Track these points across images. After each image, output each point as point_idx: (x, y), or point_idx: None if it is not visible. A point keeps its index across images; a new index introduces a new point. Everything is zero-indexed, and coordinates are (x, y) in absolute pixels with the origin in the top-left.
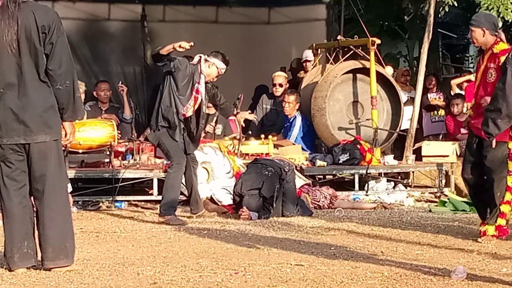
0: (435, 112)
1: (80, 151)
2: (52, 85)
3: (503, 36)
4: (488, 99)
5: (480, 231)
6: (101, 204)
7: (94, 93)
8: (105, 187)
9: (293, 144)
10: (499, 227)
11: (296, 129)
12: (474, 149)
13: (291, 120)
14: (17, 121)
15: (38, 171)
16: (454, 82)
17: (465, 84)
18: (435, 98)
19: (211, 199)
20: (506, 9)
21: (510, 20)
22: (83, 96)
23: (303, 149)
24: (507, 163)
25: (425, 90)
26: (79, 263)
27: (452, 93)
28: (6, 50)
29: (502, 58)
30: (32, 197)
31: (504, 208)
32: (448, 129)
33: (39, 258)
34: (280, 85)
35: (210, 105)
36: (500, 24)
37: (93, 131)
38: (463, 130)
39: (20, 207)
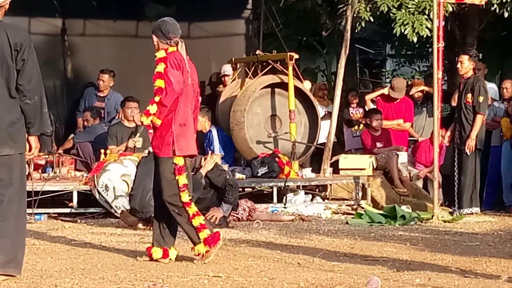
0: (357, 127)
1: None
2: (21, 99)
3: (181, 44)
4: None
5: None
6: None
7: None
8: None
9: (222, 155)
10: (206, 239)
11: (216, 141)
12: None
13: (208, 136)
14: None
15: (1, 180)
16: (368, 97)
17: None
18: (355, 113)
19: (131, 212)
20: (421, 25)
21: (425, 36)
22: None
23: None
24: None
25: (345, 105)
26: None
27: (367, 108)
28: None
29: (158, 67)
30: None
31: (197, 221)
32: (364, 144)
33: None
34: None
35: (131, 119)
36: (415, 40)
37: None
38: (378, 144)
39: None
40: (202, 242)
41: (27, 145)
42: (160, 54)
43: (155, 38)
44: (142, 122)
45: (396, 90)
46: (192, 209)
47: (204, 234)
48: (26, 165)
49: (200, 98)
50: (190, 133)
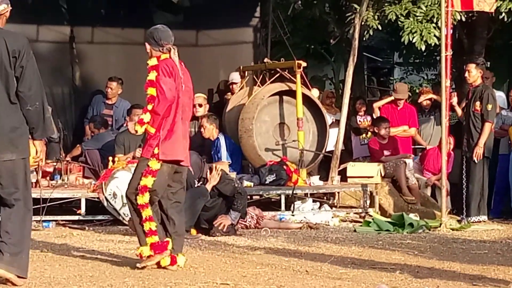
0: (364, 135)
1: None
2: (23, 106)
3: (173, 51)
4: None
5: (137, 255)
6: None
7: None
8: (33, 207)
9: (229, 163)
10: (153, 245)
11: (224, 149)
12: None
13: (216, 143)
14: None
15: (6, 187)
16: (376, 105)
17: None
18: (363, 121)
19: None
20: (429, 33)
21: (433, 44)
22: None
23: (230, 168)
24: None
25: (352, 113)
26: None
27: (375, 116)
28: None
29: (150, 75)
30: None
31: (148, 225)
32: (372, 152)
33: None
34: (200, 105)
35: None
36: (423, 48)
37: None
38: (386, 152)
39: None
40: (148, 246)
41: (34, 149)
42: (152, 62)
43: (148, 46)
44: (136, 131)
45: (399, 92)
46: (146, 212)
47: (152, 239)
48: (34, 172)
49: (208, 106)
50: (177, 138)
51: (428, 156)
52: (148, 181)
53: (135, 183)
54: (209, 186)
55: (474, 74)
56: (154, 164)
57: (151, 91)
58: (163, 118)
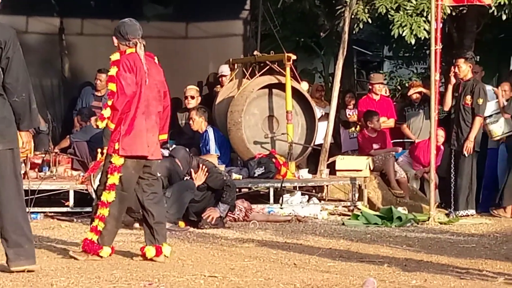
0: (353, 128)
1: None
2: (10, 97)
3: (139, 45)
4: None
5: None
6: None
7: None
8: None
9: (218, 155)
10: (85, 240)
11: (212, 141)
12: None
13: (204, 136)
14: None
15: None
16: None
17: None
18: (352, 115)
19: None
20: (419, 27)
21: (423, 38)
22: None
23: (219, 160)
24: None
25: (342, 106)
26: None
27: (364, 109)
28: None
29: (111, 70)
30: None
31: (96, 223)
32: (361, 145)
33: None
34: (192, 97)
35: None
36: (413, 42)
37: None
38: (375, 146)
39: None
40: (83, 241)
41: (20, 140)
42: (114, 56)
43: (115, 40)
44: (97, 126)
45: (375, 78)
46: (103, 211)
47: (90, 235)
48: (23, 164)
49: (200, 98)
50: (138, 133)
51: (418, 149)
52: (114, 178)
53: (103, 178)
54: (195, 184)
55: (464, 68)
56: (116, 160)
57: (111, 86)
58: (123, 113)
